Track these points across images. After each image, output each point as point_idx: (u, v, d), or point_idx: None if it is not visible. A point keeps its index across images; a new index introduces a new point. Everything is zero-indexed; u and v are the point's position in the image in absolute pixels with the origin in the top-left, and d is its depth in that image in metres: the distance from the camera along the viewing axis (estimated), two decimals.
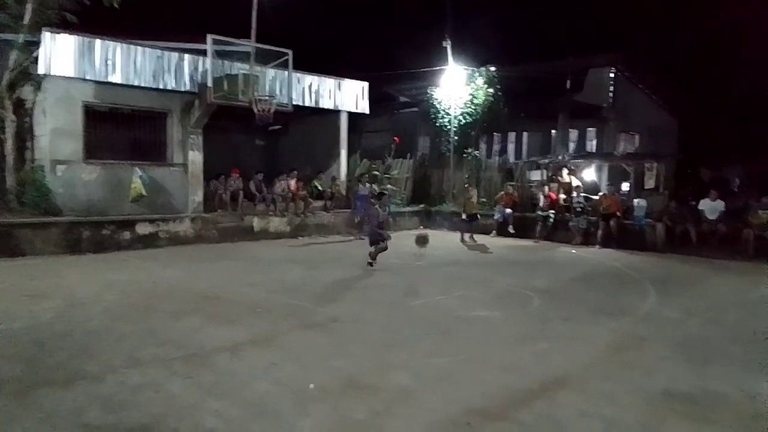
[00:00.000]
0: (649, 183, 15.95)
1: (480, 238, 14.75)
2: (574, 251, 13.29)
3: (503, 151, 21.83)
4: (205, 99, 12.89)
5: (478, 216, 15.11)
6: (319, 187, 16.06)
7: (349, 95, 17.04)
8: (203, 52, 12.93)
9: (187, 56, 13.28)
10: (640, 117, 21.64)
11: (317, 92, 16.07)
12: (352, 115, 17.46)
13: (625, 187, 15.84)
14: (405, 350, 5.50)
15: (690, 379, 4.85)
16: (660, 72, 22.10)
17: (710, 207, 13.35)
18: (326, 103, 16.42)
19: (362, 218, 14.38)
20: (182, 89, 13.25)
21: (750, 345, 5.93)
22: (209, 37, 12.58)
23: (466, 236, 14.78)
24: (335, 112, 17.00)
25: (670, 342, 6.01)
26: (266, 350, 5.39)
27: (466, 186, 16.51)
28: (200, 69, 13.31)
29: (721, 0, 21.41)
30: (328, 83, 16.38)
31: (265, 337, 5.86)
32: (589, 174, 17.47)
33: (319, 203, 15.77)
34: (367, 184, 15.73)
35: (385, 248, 10.25)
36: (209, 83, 12.70)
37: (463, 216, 14.94)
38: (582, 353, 5.56)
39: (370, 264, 10.09)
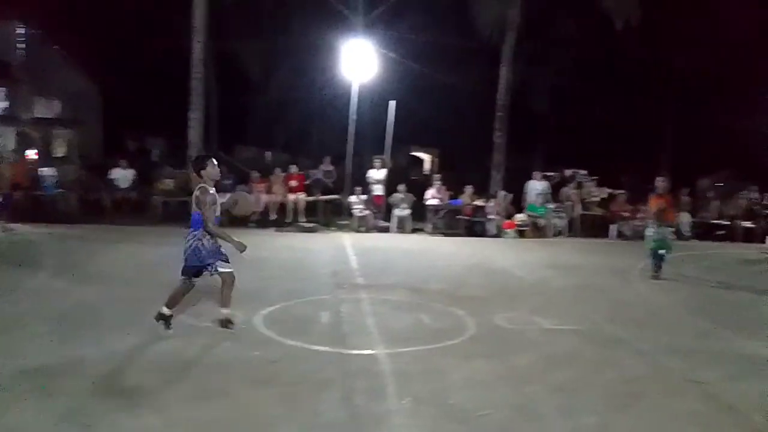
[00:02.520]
0: (61, 150, 15.30)
1: None
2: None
3: None
4: None
5: None
6: None
7: None
8: None
9: None
10: (61, 81, 20.31)
11: None
12: None
13: (33, 154, 14.64)
14: None
15: (49, 353, 4.70)
16: (81, 35, 21.03)
17: (122, 175, 13.81)
18: None
19: None
20: None
21: (127, 307, 6.17)
22: None
23: None
24: None
25: (48, 316, 5.74)
26: None
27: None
28: None
29: None
30: None
31: None
32: None
33: None
34: None
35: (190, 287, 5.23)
36: None
37: None
38: None
39: (163, 320, 5.13)
